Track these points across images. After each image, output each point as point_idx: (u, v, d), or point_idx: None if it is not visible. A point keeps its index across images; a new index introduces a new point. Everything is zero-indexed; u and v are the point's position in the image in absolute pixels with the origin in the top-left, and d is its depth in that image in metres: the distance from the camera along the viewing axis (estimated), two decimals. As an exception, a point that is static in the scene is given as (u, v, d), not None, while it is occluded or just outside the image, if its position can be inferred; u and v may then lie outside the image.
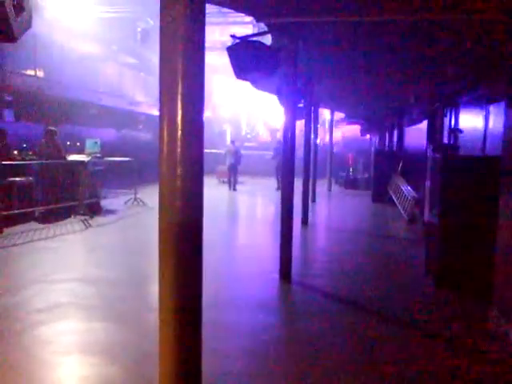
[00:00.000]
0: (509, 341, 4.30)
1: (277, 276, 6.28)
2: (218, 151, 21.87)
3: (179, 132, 2.20)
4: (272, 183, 19.01)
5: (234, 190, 18.10)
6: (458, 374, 3.87)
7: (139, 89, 21.70)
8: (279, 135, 22.34)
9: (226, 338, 4.39)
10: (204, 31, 2.26)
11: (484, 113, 7.34)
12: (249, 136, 33.83)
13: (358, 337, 4.57)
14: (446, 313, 5.31)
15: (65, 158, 10.92)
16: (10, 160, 9.75)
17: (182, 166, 2.22)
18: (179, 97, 2.19)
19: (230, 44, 6.88)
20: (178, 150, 2.21)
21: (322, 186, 17.17)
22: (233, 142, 19.99)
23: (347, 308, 5.43)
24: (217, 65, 21.04)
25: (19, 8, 3.90)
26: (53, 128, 11.14)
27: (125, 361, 3.88)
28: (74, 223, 9.87)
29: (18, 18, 3.90)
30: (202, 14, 2.25)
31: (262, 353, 4.14)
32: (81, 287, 5.72)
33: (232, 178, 18.37)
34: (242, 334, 4.56)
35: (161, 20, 2.23)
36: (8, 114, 13.23)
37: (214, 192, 16.33)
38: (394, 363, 3.99)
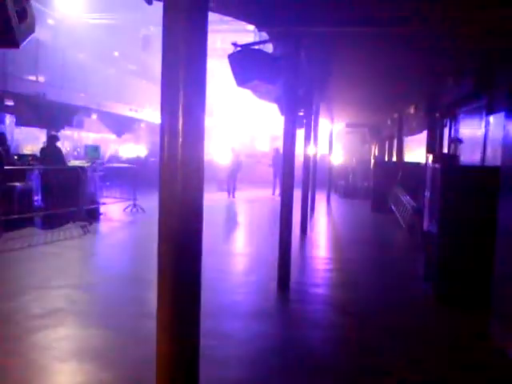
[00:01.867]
0: (508, 353, 4.29)
1: (275, 285, 6.26)
2: (217, 158, 21.83)
3: (180, 139, 2.20)
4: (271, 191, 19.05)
5: (233, 197, 18.05)
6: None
7: (140, 95, 21.75)
8: (277, 143, 22.41)
9: (222, 347, 4.37)
10: (206, 40, 2.27)
11: (484, 123, 7.37)
12: (249, 144, 33.83)
13: (356, 349, 4.56)
14: (444, 324, 5.29)
15: (65, 164, 10.94)
16: (10, 165, 9.75)
17: (182, 172, 2.23)
18: (180, 104, 2.20)
19: (231, 52, 6.90)
20: (179, 156, 2.21)
21: (321, 195, 17.17)
22: (233, 148, 19.80)
23: (344, 319, 5.40)
24: (217, 72, 21.12)
25: (22, 14, 3.93)
26: (55, 133, 11.18)
27: (122, 367, 3.86)
28: (72, 229, 9.85)
29: (21, 24, 3.92)
30: (204, 22, 2.26)
31: (257, 362, 4.13)
32: (78, 293, 5.71)
33: (231, 185, 18.27)
34: (238, 342, 4.54)
35: (163, 28, 2.24)
36: (9, 119, 13.27)
37: (212, 199, 16.31)
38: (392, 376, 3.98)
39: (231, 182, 18.33)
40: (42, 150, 10.96)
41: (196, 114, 2.26)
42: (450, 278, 5.93)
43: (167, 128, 2.24)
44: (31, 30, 4.15)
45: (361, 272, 7.52)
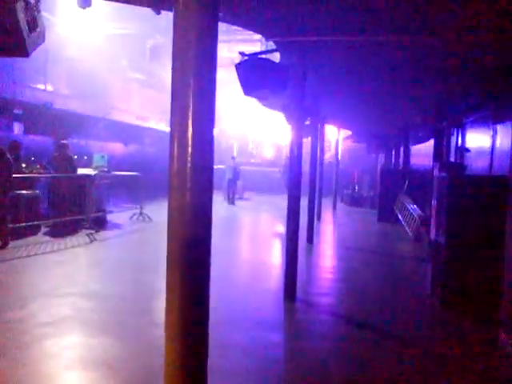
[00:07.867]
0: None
1: (281, 294, 6.23)
2: (223, 167, 22.04)
3: (189, 148, 2.21)
4: (277, 200, 19.00)
5: (233, 204, 18.58)
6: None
7: (147, 104, 21.83)
8: (286, 152, 22.87)
9: (228, 356, 4.35)
10: (216, 49, 2.28)
11: (491, 132, 7.35)
12: (254, 152, 33.83)
13: (361, 361, 4.51)
14: (451, 334, 5.25)
15: (76, 171, 10.99)
16: (18, 173, 9.80)
17: (191, 180, 2.24)
18: (190, 113, 2.21)
19: (238, 61, 6.94)
20: (189, 165, 2.22)
21: (327, 204, 17.15)
22: (233, 158, 21.05)
23: (350, 329, 5.37)
24: (224, 81, 21.21)
25: (33, 24, 3.97)
26: (65, 142, 11.23)
27: (128, 376, 3.85)
28: (79, 237, 9.88)
29: (32, 34, 3.97)
30: (214, 32, 2.27)
31: (263, 372, 4.10)
32: (85, 302, 5.71)
33: (231, 193, 19.22)
34: (244, 352, 4.51)
35: (173, 37, 2.25)
36: (18, 127, 13.37)
37: (215, 207, 16.34)
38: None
39: (230, 189, 19.30)
40: (54, 158, 10.99)
41: (206, 122, 2.27)
42: (458, 289, 5.89)
43: (177, 135, 2.25)
44: (41, 40, 4.20)
45: (367, 282, 7.48)
